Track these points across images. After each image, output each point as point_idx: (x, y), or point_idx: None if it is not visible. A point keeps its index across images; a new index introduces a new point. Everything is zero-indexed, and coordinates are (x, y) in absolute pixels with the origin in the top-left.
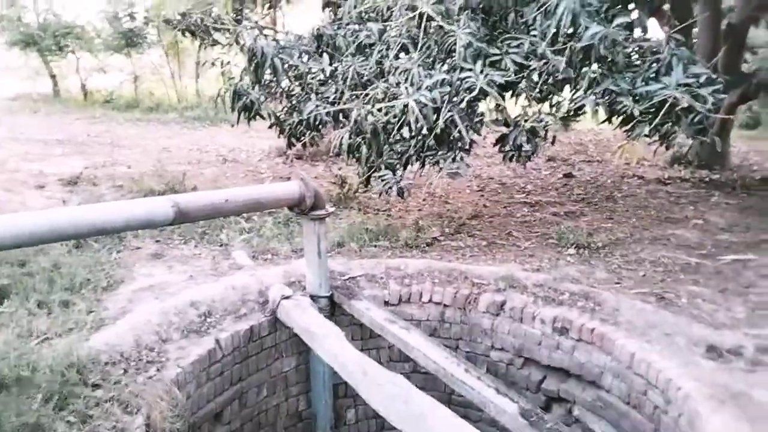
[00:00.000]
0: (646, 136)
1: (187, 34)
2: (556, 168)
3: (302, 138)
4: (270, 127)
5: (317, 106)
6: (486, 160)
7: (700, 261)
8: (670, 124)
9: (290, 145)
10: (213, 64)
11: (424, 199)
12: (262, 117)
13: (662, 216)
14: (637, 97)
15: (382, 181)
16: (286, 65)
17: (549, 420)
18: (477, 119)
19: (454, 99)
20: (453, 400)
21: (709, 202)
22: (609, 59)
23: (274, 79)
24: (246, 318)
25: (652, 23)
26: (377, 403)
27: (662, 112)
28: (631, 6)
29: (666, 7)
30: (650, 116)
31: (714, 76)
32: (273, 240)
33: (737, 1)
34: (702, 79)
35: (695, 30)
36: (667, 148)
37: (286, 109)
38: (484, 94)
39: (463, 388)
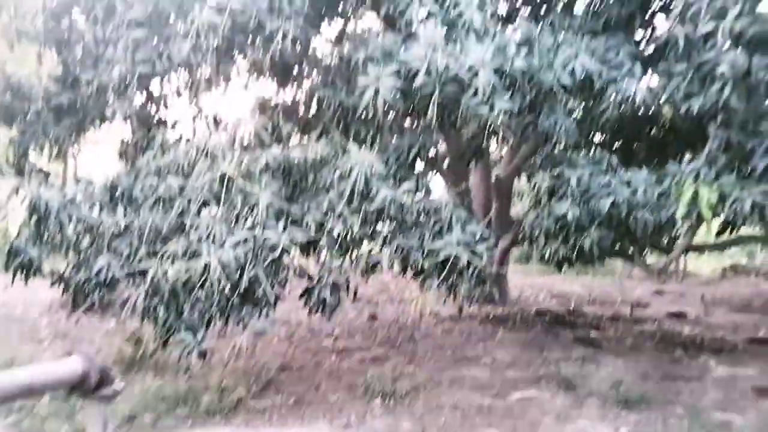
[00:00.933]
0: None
1: None
2: (361, 310)
3: (90, 297)
4: (52, 285)
5: (109, 263)
6: (295, 303)
7: (492, 401)
8: (454, 276)
9: (75, 303)
10: None
11: (228, 354)
12: (42, 275)
13: (457, 355)
14: (426, 253)
15: (182, 344)
16: (73, 218)
17: None
18: (282, 275)
19: (258, 256)
20: None
21: (495, 339)
22: (399, 219)
23: (60, 233)
24: None
25: (437, 179)
26: None
27: (447, 268)
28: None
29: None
30: (438, 270)
31: (487, 234)
32: (49, 420)
33: (503, 159)
34: (478, 236)
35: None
36: (455, 299)
37: (72, 265)
38: (286, 251)
39: None
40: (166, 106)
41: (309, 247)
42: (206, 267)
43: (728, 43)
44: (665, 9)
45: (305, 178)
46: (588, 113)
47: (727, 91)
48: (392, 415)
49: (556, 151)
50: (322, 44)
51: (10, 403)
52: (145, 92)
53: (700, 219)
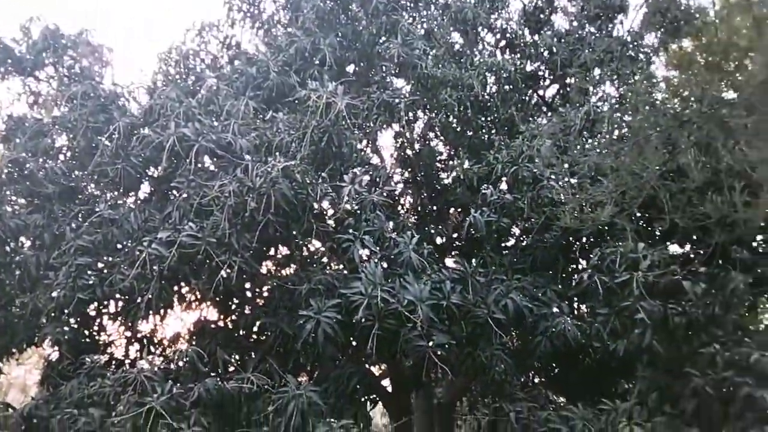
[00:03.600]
0: None
1: None
2: None
3: None
4: None
5: None
6: None
7: None
8: None
9: None
10: None
11: None
12: None
13: None
14: None
15: None
16: None
17: None
18: None
19: None
20: None
21: None
22: None
23: None
24: None
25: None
26: None
27: None
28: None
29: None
30: None
31: None
32: None
33: (444, 386)
34: None
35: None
36: None
37: None
38: None
39: None
40: (100, 332)
41: None
42: None
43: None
44: (586, 254)
45: (239, 412)
46: (523, 346)
47: (647, 336)
48: None
49: (493, 381)
50: (266, 270)
51: None
52: (79, 318)
53: None
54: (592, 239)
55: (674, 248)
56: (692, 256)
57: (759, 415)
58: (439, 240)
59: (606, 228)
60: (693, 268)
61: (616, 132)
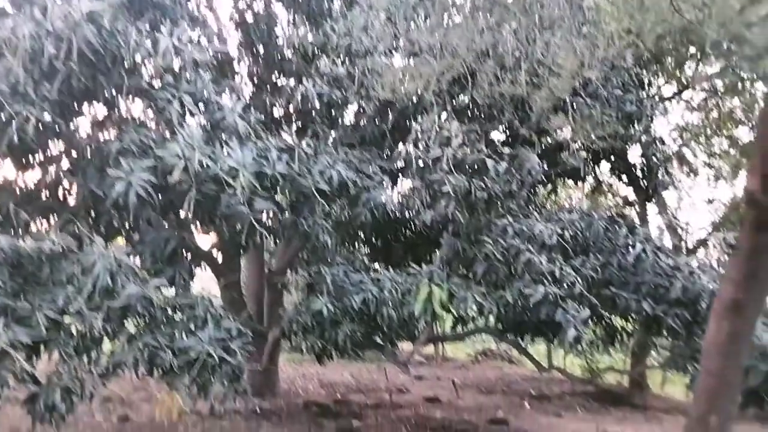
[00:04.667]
0: (186, 387)
1: None
2: (112, 411)
3: None
4: None
5: None
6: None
7: None
8: (206, 374)
9: None
10: None
11: None
12: None
13: None
14: (176, 351)
15: None
16: None
17: None
18: None
19: None
20: None
21: None
22: (147, 315)
23: None
24: None
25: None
26: None
27: (199, 366)
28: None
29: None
30: (187, 368)
31: (243, 330)
32: None
33: (275, 253)
34: (233, 333)
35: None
36: (206, 398)
37: None
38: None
39: None
40: None
41: (38, 348)
42: None
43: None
44: (407, 132)
45: (39, 271)
46: (347, 218)
47: (451, 207)
48: None
49: (317, 250)
50: (80, 128)
51: None
52: None
53: (435, 315)
54: (417, 116)
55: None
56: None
57: (534, 276)
58: (277, 113)
59: (422, 106)
60: (498, 149)
61: (445, 13)
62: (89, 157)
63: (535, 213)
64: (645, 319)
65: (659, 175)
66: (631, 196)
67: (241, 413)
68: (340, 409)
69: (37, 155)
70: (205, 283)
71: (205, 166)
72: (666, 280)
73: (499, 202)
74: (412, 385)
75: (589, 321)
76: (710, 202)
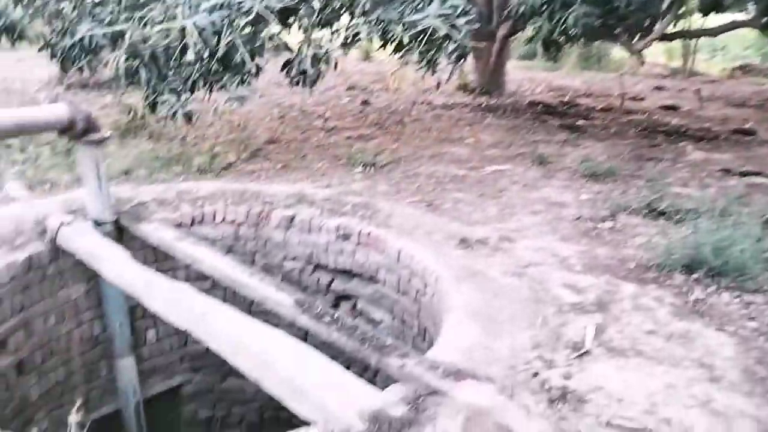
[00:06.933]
0: (416, 63)
1: None
2: (355, 97)
3: (77, 62)
4: (40, 50)
5: (91, 27)
6: (288, 88)
7: (466, 173)
8: (433, 51)
9: (64, 69)
10: None
11: (221, 127)
12: (28, 40)
13: (442, 137)
14: (405, 26)
15: (166, 105)
16: None
17: (319, 306)
18: (258, 44)
19: (234, 23)
20: (253, 310)
21: (482, 123)
22: None
23: None
24: (23, 248)
25: None
26: (162, 309)
27: (426, 40)
28: None
29: None
30: (417, 44)
31: (468, 8)
32: (51, 170)
33: None
34: (458, 11)
35: None
36: (433, 73)
37: (57, 31)
38: (263, 19)
39: (247, 290)
40: None
41: (287, 18)
42: (183, 31)
43: None
44: None
45: None
46: None
47: None
48: (371, 179)
49: None
50: None
51: (3, 139)
52: None
53: None
54: None
55: None
56: None
57: None
58: None
59: None
60: None
61: None
62: None
63: None
64: None
65: None
66: None
67: (468, 106)
68: (566, 110)
69: None
70: None
71: None
72: None
73: None
74: (649, 94)
75: None
76: None
